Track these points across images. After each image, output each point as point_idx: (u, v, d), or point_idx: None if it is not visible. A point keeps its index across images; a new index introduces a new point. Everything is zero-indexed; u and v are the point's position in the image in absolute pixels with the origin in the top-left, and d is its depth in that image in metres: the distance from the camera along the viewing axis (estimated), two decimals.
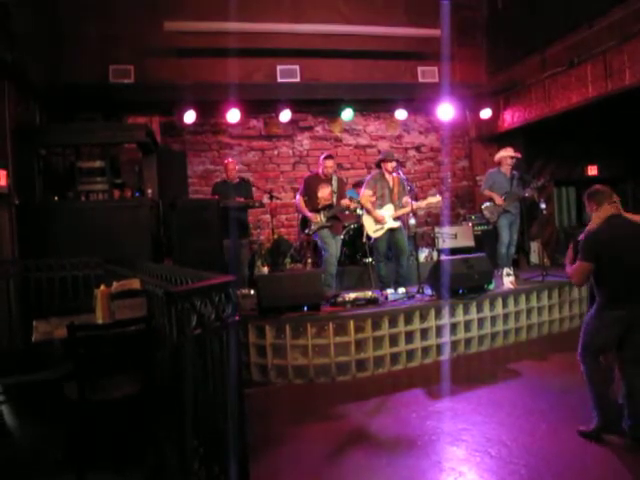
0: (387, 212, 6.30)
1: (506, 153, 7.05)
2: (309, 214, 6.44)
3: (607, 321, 3.40)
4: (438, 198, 6.36)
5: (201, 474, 2.42)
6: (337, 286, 6.45)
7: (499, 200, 6.94)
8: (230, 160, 7.28)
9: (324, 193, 6.46)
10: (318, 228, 6.39)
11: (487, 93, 8.81)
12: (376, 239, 6.34)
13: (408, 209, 6.28)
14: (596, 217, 3.44)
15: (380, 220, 6.25)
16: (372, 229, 6.34)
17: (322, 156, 6.69)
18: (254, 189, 7.42)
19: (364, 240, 6.93)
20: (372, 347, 5.21)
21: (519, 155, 7.06)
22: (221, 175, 8.06)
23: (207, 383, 2.40)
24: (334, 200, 6.43)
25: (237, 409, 2.47)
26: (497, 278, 6.37)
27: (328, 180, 6.51)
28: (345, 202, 6.43)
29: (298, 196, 6.70)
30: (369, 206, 6.30)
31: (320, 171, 6.59)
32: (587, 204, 3.57)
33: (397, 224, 6.31)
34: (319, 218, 6.39)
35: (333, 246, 6.40)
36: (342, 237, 6.83)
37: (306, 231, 6.65)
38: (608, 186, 3.56)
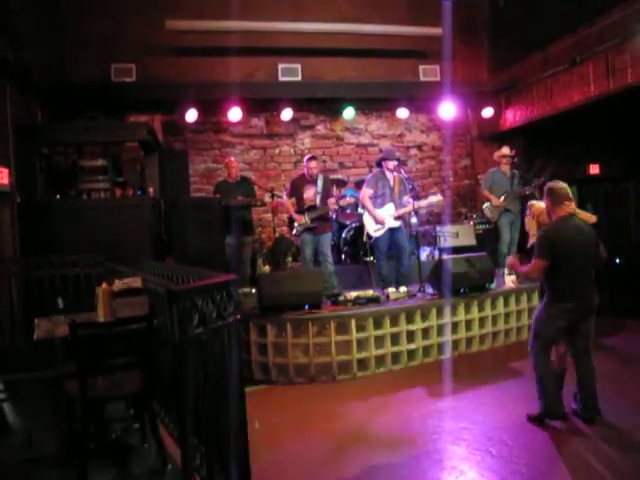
0: (388, 211, 6.30)
1: (499, 152, 7.07)
2: (295, 215, 6.54)
3: (555, 313, 3.65)
4: (439, 197, 6.35)
5: (202, 472, 2.42)
6: (338, 285, 6.45)
7: (496, 201, 6.94)
8: (232, 159, 7.29)
9: (309, 194, 6.54)
10: (302, 230, 6.45)
11: (489, 92, 8.80)
12: (377, 238, 6.34)
13: (409, 208, 6.28)
14: (554, 215, 3.72)
15: (380, 220, 6.25)
16: (373, 228, 6.34)
17: (306, 157, 6.78)
18: (256, 187, 7.42)
19: (365, 239, 6.93)
20: (373, 346, 5.21)
21: (513, 153, 7.04)
22: (223, 174, 8.07)
23: (208, 381, 2.40)
24: (317, 201, 6.47)
25: (238, 407, 2.47)
26: (498, 277, 6.36)
27: (313, 181, 6.58)
28: (331, 202, 6.50)
29: (285, 197, 6.80)
30: (370, 205, 6.30)
31: (305, 172, 6.63)
32: (545, 199, 3.80)
33: (398, 223, 6.31)
34: (304, 219, 6.43)
35: (308, 249, 6.44)
36: (331, 234, 6.81)
37: (293, 232, 6.74)
38: (566, 186, 3.77)
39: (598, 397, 3.69)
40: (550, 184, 3.80)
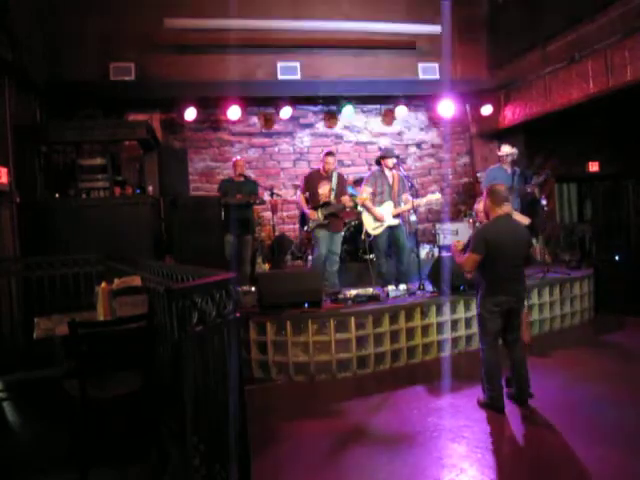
0: (387, 209, 6.29)
1: (503, 151, 7.04)
2: (307, 211, 6.43)
3: (491, 307, 3.96)
4: (438, 196, 6.35)
5: (202, 471, 2.42)
6: (338, 283, 6.45)
7: None
8: (238, 158, 7.27)
9: (324, 190, 6.44)
10: (316, 226, 6.37)
11: (488, 89, 8.79)
12: (375, 236, 6.33)
13: (408, 207, 6.27)
14: (492, 214, 4.02)
15: (379, 218, 6.24)
16: (371, 226, 6.34)
17: (323, 152, 6.67)
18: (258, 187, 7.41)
19: (363, 237, 6.93)
20: (373, 344, 5.21)
21: (515, 150, 7.02)
22: (222, 172, 8.06)
23: (208, 380, 2.40)
24: (332, 197, 6.41)
25: (238, 406, 2.48)
26: None
27: (328, 177, 6.48)
28: (345, 199, 6.39)
29: (299, 193, 6.69)
30: (368, 203, 6.29)
31: (321, 167, 6.57)
32: (485, 198, 4.10)
33: (396, 221, 6.30)
34: (317, 215, 6.37)
35: (324, 246, 6.34)
36: (343, 234, 6.79)
37: (305, 228, 6.65)
38: (505, 189, 4.12)
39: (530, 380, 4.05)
40: (492, 186, 4.12)
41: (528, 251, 4.11)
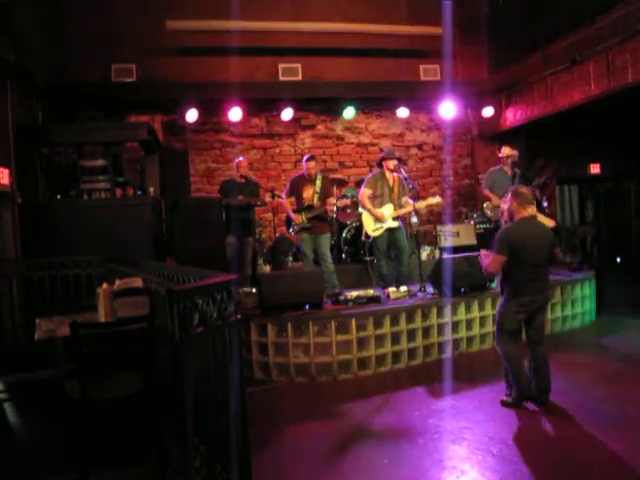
0: (386, 212, 6.29)
1: (504, 153, 7.04)
2: (292, 215, 6.55)
3: (515, 307, 4.01)
4: (438, 199, 6.35)
5: (203, 472, 2.42)
6: (339, 284, 6.44)
7: (496, 201, 6.92)
8: (241, 159, 7.27)
9: (308, 194, 6.55)
10: (299, 229, 6.46)
11: (489, 91, 8.79)
12: (375, 238, 6.34)
13: (407, 209, 6.29)
14: (517, 215, 4.07)
15: (380, 219, 6.25)
16: (371, 228, 6.34)
17: (305, 157, 6.75)
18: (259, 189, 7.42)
19: (363, 239, 6.93)
20: (374, 345, 5.21)
21: (515, 152, 7.01)
22: (223, 174, 8.07)
23: (209, 381, 2.40)
24: (316, 200, 6.48)
25: (239, 407, 2.48)
26: (499, 276, 6.35)
27: (312, 180, 6.57)
28: (330, 201, 6.49)
29: (284, 196, 6.80)
30: (369, 205, 6.30)
31: (304, 172, 6.62)
32: (510, 200, 4.12)
33: (396, 224, 6.30)
34: (301, 219, 6.44)
35: (308, 249, 6.47)
36: (329, 235, 6.77)
37: (290, 230, 6.77)
38: (531, 191, 4.27)
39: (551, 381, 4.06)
40: (518, 188, 4.22)
41: (552, 252, 4.16)
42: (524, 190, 4.17)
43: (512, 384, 4.09)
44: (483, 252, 4.26)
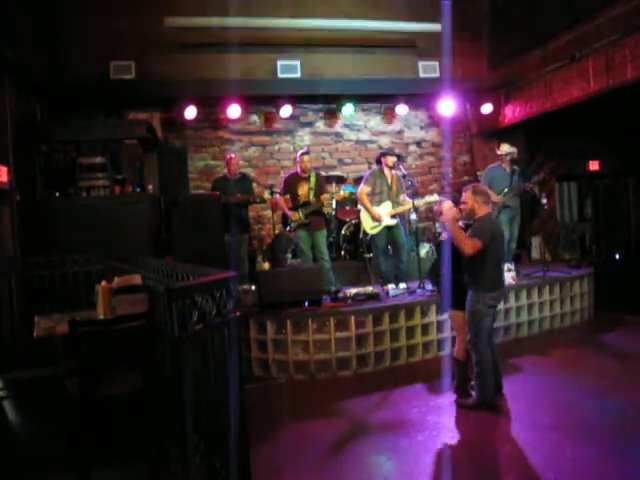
0: (384, 209, 6.29)
1: (501, 151, 7.04)
2: (289, 212, 6.53)
3: (489, 301, 4.02)
4: (435, 197, 6.36)
5: (202, 469, 2.42)
6: (337, 281, 6.45)
7: (495, 198, 6.92)
8: (232, 156, 7.27)
9: (303, 191, 6.52)
10: (297, 226, 6.45)
11: (488, 88, 8.77)
12: (373, 235, 6.34)
13: (406, 207, 6.28)
14: (481, 212, 4.09)
15: (377, 217, 6.24)
16: (369, 225, 6.34)
17: (299, 152, 6.71)
18: (254, 184, 7.41)
19: (361, 236, 6.92)
20: (373, 342, 5.22)
21: (514, 149, 7.01)
22: (222, 171, 8.05)
23: (208, 378, 2.40)
24: (311, 197, 6.47)
25: (238, 404, 2.48)
26: None
27: (307, 177, 6.55)
28: (325, 197, 6.51)
29: (278, 195, 6.77)
30: (367, 204, 6.29)
31: (298, 168, 6.61)
32: (472, 198, 4.11)
33: (394, 221, 6.30)
34: (297, 216, 6.43)
35: (306, 246, 6.45)
36: (325, 231, 6.77)
37: (287, 228, 6.75)
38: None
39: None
40: (477, 187, 4.29)
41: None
42: (484, 188, 4.39)
43: (477, 389, 4.07)
44: (453, 209, 4.22)
